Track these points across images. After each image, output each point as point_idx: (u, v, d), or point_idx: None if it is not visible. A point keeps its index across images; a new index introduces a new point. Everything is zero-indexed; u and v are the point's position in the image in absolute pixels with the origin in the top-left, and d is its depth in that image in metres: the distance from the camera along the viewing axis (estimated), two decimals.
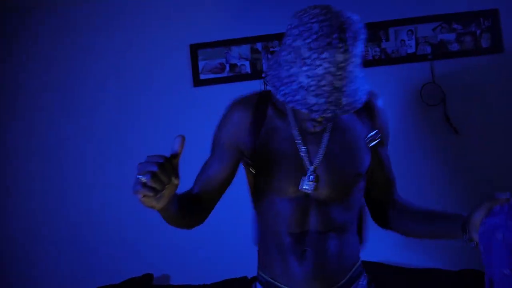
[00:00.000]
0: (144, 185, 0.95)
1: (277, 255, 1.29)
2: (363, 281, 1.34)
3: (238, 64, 2.52)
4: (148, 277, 2.41)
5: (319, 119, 1.15)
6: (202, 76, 2.53)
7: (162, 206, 1.03)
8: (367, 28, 1.11)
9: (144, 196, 0.97)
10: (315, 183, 1.23)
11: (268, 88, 1.34)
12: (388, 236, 1.45)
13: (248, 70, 2.52)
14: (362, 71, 1.12)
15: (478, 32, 2.39)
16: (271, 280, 1.31)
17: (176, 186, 1.02)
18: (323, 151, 1.25)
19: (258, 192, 1.34)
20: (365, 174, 1.31)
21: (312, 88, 1.04)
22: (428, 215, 1.26)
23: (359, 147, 1.28)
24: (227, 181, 1.32)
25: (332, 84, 1.04)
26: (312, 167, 1.24)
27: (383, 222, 1.39)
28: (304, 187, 1.23)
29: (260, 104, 1.30)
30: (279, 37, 2.48)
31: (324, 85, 1.04)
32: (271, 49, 2.51)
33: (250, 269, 2.20)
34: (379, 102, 1.33)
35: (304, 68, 1.04)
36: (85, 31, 2.58)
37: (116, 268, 2.46)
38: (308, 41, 1.02)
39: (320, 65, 1.02)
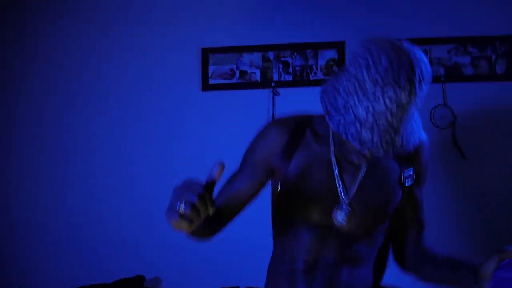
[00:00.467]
0: (181, 215, 0.92)
1: (285, 280, 1.27)
2: None
3: (249, 71, 2.48)
4: (140, 278, 2.41)
5: (368, 155, 1.13)
6: (211, 81, 2.48)
7: (192, 230, 0.99)
8: None
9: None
10: (347, 216, 1.20)
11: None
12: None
13: (258, 78, 2.47)
14: (418, 112, 1.08)
15: (493, 57, 2.36)
16: None
17: (210, 213, 0.98)
18: (358, 184, 1.21)
19: (281, 212, 1.30)
20: (393, 212, 1.28)
21: (368, 123, 1.01)
22: (445, 262, 1.25)
23: (391, 184, 1.24)
24: (252, 198, 1.28)
25: (389, 122, 1.01)
26: (347, 199, 1.21)
27: (404, 263, 1.37)
28: (339, 220, 1.20)
29: (299, 126, 1.25)
30: (292, 47, 2.44)
31: (381, 122, 1.01)
32: (283, 59, 2.46)
33: (243, 280, 2.26)
34: (423, 140, 1.28)
35: (364, 101, 1.00)
36: (93, 32, 2.53)
37: (116, 268, 2.44)
38: (373, 72, 0.99)
39: (383, 101, 0.99)
